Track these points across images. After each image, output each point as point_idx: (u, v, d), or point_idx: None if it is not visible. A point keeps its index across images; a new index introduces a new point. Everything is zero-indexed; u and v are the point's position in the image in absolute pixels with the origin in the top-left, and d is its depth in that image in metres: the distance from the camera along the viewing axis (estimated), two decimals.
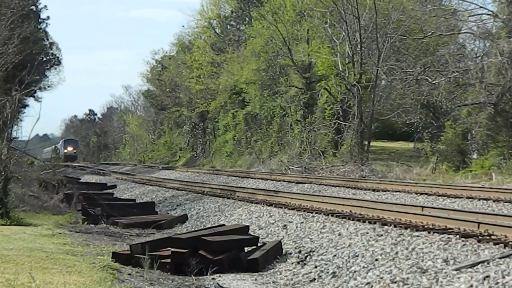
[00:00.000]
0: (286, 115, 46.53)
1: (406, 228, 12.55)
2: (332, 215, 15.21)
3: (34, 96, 45.49)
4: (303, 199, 18.29)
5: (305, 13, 44.01)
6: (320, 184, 26.13)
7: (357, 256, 11.55)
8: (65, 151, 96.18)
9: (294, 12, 44.60)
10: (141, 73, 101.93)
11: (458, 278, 9.37)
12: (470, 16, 35.63)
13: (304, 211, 16.50)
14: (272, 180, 29.69)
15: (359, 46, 36.72)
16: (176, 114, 73.26)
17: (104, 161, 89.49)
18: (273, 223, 15.97)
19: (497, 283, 8.85)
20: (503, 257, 9.73)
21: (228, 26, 61.93)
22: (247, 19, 58.77)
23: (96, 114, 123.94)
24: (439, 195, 19.58)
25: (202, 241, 12.29)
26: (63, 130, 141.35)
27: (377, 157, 39.73)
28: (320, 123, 41.56)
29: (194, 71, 60.81)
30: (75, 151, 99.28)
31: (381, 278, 10.17)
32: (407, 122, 38.66)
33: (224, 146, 56.92)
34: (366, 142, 35.96)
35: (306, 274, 11.59)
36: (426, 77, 35.33)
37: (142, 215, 20.89)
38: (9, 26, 26.82)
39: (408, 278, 9.80)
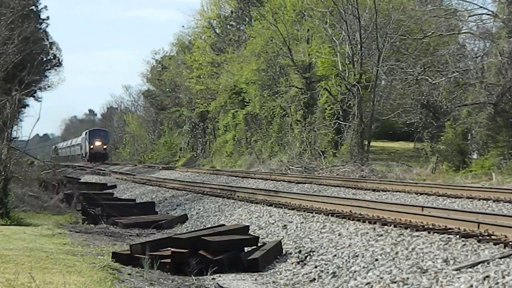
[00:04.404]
0: (286, 115, 46.54)
1: (406, 228, 12.55)
2: (332, 215, 15.21)
3: (34, 96, 45.53)
4: (303, 199, 18.29)
5: (305, 13, 44.01)
6: (320, 184, 26.12)
7: (357, 256, 11.54)
8: (91, 147, 74.13)
9: (294, 12, 44.60)
10: (141, 73, 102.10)
11: (458, 278, 9.37)
12: (470, 16, 35.62)
13: (304, 211, 16.49)
14: (272, 180, 29.68)
15: (359, 46, 36.71)
16: (176, 114, 73.26)
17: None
18: (273, 223, 15.97)
19: (497, 283, 8.85)
20: (503, 257, 9.73)
21: (228, 26, 61.94)
22: (247, 19, 58.80)
23: (96, 114, 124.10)
24: (439, 195, 19.57)
25: (202, 241, 12.29)
26: (63, 130, 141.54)
27: (377, 157, 39.73)
28: (320, 123, 41.56)
29: (194, 71, 60.83)
30: (105, 146, 75.53)
31: (381, 278, 10.17)
32: (407, 122, 38.69)
33: (224, 146, 56.93)
34: (366, 142, 35.95)
35: (306, 274, 11.58)
36: (426, 77, 35.33)
37: (142, 215, 20.89)
38: (9, 26, 26.83)
39: (408, 278, 9.80)
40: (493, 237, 11.03)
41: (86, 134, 77.19)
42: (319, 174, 33.01)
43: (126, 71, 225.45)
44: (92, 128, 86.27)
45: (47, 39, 49.60)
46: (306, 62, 43.23)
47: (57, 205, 23.48)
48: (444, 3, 40.31)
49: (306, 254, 12.59)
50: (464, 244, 10.76)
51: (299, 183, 27.48)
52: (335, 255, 11.96)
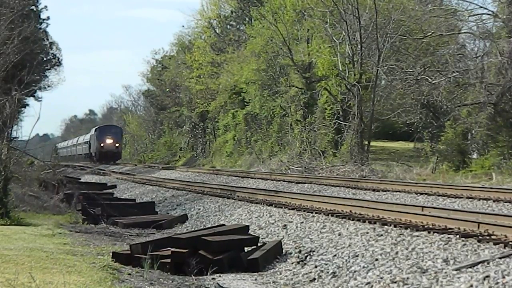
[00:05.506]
0: (286, 115, 46.57)
1: (406, 228, 12.54)
2: (332, 215, 15.20)
3: (34, 96, 45.54)
4: (303, 199, 18.28)
5: (305, 13, 44.03)
6: (320, 184, 26.11)
7: (357, 256, 11.54)
8: (102, 145, 67.70)
9: (294, 12, 44.62)
10: (141, 73, 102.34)
11: (458, 278, 9.37)
12: (470, 16, 35.67)
13: (304, 211, 16.49)
14: (272, 180, 29.67)
15: (359, 46, 36.73)
16: (176, 114, 73.32)
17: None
18: (273, 223, 15.96)
19: (497, 283, 8.85)
20: (503, 257, 9.73)
21: (228, 26, 61.99)
22: (247, 19, 58.81)
23: (96, 114, 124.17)
24: (439, 195, 19.57)
25: (202, 241, 12.29)
26: (63, 130, 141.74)
27: (377, 157, 39.75)
28: (320, 123, 41.60)
29: (194, 71, 60.88)
30: (117, 144, 69.12)
31: (381, 278, 10.17)
32: (407, 122, 38.70)
33: (224, 146, 56.96)
34: (366, 142, 35.96)
35: (306, 274, 11.58)
36: (426, 77, 35.36)
37: (142, 215, 20.88)
38: (9, 26, 26.84)
39: (408, 278, 9.79)
40: (493, 237, 11.03)
41: (95, 130, 70.71)
42: (319, 174, 33.00)
43: (126, 71, 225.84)
44: (102, 124, 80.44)
45: (47, 39, 49.60)
46: (306, 62, 43.25)
47: (57, 205, 23.47)
48: (444, 3, 40.34)
49: (306, 254, 12.59)
50: (464, 244, 10.76)
51: (299, 183, 27.47)
52: (335, 255, 11.95)
